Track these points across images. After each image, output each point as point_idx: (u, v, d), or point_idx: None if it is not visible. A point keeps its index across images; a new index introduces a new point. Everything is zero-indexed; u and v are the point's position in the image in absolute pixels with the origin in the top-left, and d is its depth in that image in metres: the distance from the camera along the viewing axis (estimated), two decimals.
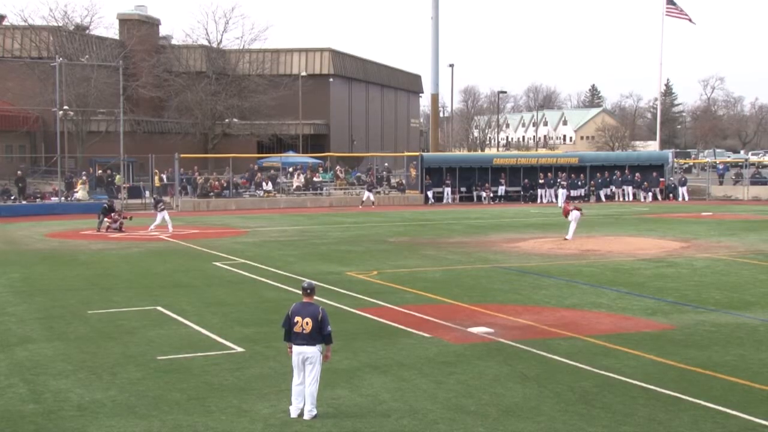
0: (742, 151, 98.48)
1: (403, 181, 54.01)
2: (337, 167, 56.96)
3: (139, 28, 68.71)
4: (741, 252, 25.05)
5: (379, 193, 50.69)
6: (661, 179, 52.53)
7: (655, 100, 78.84)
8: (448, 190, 50.91)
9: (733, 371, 11.84)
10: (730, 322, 15.19)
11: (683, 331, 14.50)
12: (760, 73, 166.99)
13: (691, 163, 72.10)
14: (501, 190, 51.21)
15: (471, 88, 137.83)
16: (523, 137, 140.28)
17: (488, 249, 26.42)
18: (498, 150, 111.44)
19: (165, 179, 47.86)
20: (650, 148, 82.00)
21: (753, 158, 75.04)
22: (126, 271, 22.02)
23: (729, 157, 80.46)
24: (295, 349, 9.95)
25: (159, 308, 16.58)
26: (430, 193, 50.44)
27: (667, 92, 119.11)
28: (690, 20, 60.81)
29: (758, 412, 10.00)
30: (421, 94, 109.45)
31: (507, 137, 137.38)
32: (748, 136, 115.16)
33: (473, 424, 9.75)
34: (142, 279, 20.65)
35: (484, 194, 50.90)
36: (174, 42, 74.18)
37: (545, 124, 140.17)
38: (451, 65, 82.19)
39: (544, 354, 12.84)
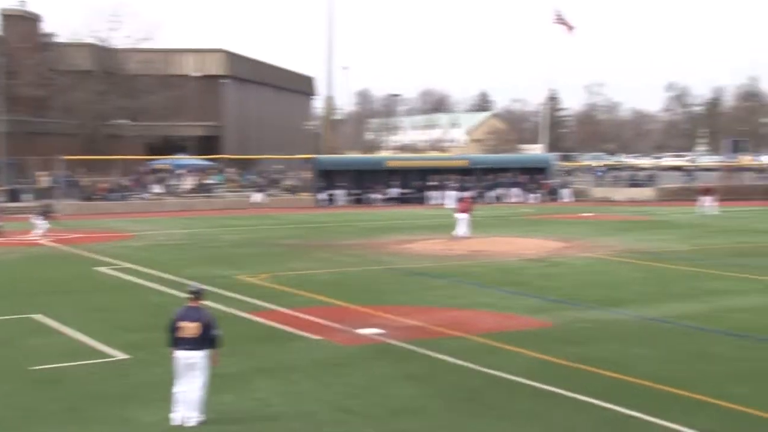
0: (621, 156, 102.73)
1: (297, 184, 53.89)
2: (230, 169, 56.29)
3: (21, 23, 65.93)
4: (618, 251, 26.15)
5: (272, 195, 50.38)
6: (546, 181, 54.33)
7: (541, 104, 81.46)
8: (341, 192, 51.08)
9: (609, 366, 12.32)
10: (607, 319, 15.85)
11: (564, 328, 15.04)
12: (637, 80, 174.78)
13: (574, 166, 74.76)
14: (393, 192, 51.79)
15: (365, 91, 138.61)
16: (416, 140, 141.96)
17: (380, 251, 26.66)
18: (391, 153, 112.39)
19: (48, 182, 46.09)
20: (535, 151, 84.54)
21: (630, 161, 78.70)
22: (3, 277, 21.12)
23: (608, 160, 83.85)
24: (181, 354, 9.80)
25: (37, 316, 15.98)
26: (323, 196, 50.47)
27: (552, 97, 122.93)
28: (572, 29, 63.00)
29: (631, 404, 10.45)
30: (315, 97, 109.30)
31: (400, 140, 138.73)
32: (625, 140, 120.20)
33: (361, 425, 9.85)
34: (21, 286, 19.85)
35: (376, 196, 51.34)
36: (59, 39, 71.49)
37: (438, 127, 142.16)
38: (346, 68, 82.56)
39: (433, 354, 13.08)
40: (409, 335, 14.39)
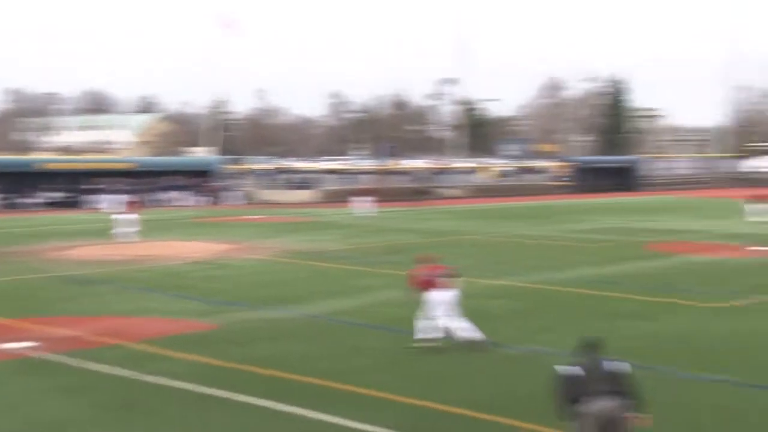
0: (284, 160, 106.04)
1: None
2: None
3: None
4: (283, 252, 26.90)
5: None
6: (212, 184, 54.55)
7: (210, 108, 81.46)
8: None
9: (274, 364, 12.46)
10: (273, 318, 16.17)
11: (228, 329, 15.08)
12: (300, 87, 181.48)
13: (243, 169, 75.65)
14: (50, 196, 48.62)
15: (19, 89, 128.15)
16: (78, 141, 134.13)
17: (37, 258, 24.94)
18: (50, 155, 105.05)
19: None
20: (200, 154, 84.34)
21: (295, 165, 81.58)
22: None
23: (276, 163, 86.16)
24: None
25: None
26: None
27: (220, 101, 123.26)
28: (239, 34, 63.87)
29: (294, 402, 10.57)
30: None
31: (60, 141, 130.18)
32: (291, 143, 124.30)
33: None
34: None
35: (30, 201, 47.78)
36: None
37: (102, 128, 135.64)
38: None
39: (89, 364, 12.42)
40: (65, 347, 13.56)
